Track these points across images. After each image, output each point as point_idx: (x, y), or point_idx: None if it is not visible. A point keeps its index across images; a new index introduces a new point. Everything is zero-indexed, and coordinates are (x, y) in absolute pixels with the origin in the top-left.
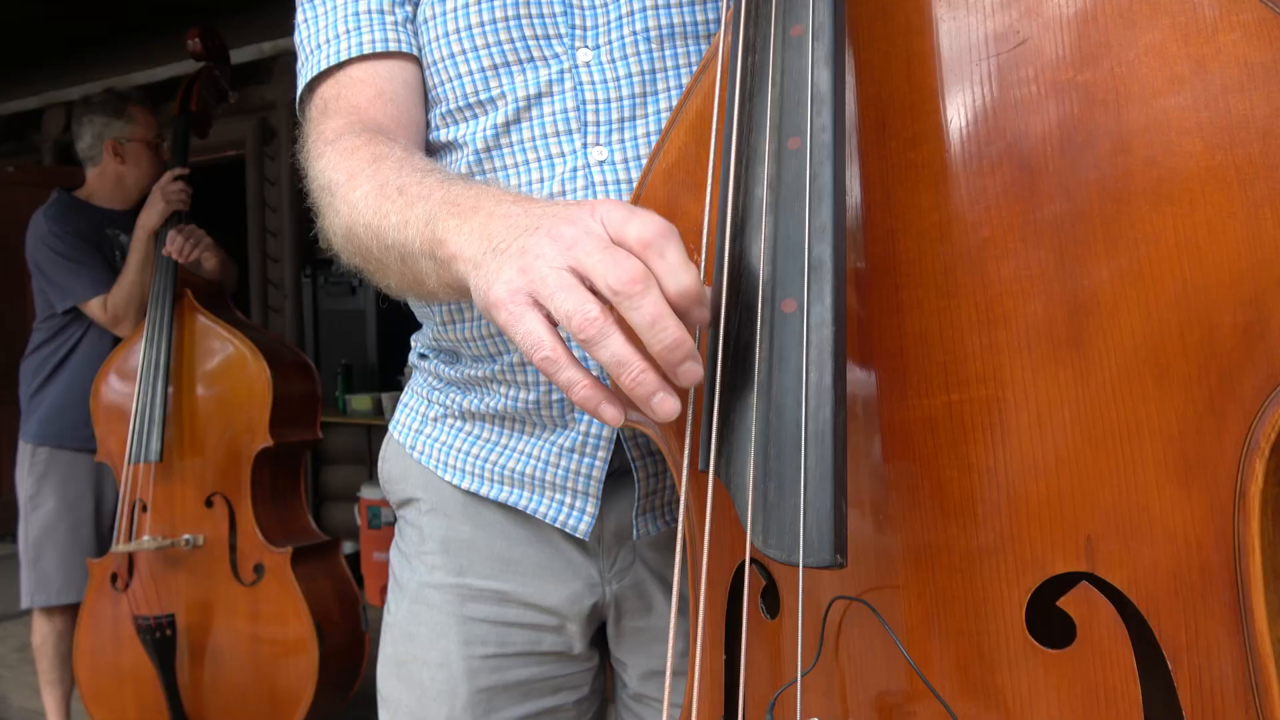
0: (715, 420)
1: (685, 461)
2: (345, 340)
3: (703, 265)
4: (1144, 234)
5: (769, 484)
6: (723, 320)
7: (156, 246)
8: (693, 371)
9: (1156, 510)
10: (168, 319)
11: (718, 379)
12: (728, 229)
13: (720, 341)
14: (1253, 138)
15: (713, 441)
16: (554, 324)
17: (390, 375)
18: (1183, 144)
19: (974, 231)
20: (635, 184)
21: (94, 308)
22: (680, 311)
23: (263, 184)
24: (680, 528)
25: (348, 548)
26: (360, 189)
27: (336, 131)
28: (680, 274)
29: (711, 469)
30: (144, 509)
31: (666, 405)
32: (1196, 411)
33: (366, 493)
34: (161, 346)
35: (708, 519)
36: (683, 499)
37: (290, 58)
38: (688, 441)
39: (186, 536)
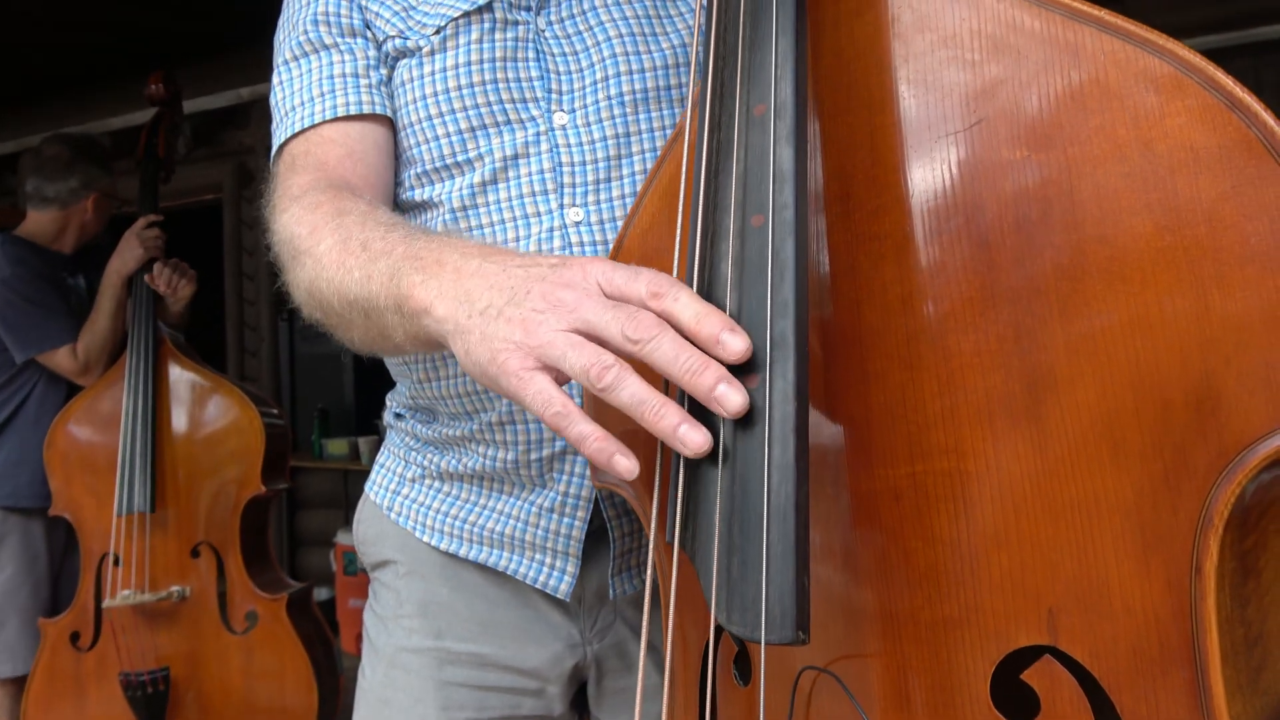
0: (681, 494)
1: (653, 531)
2: (322, 384)
3: None
4: (1097, 310)
5: (732, 559)
6: (688, 396)
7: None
8: (729, 397)
9: (1116, 584)
10: (150, 366)
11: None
12: None
13: None
14: (1199, 219)
15: (678, 515)
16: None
17: (367, 419)
18: (1133, 224)
19: (935, 304)
20: (611, 245)
21: (61, 357)
22: (707, 342)
23: (239, 228)
24: (648, 590)
25: (322, 594)
26: (324, 243)
27: (302, 187)
28: (696, 305)
29: (676, 543)
30: (116, 562)
31: (693, 438)
32: (1153, 486)
33: (342, 538)
34: (146, 394)
35: (673, 591)
36: (651, 564)
37: (267, 102)
38: (654, 512)
39: (175, 588)
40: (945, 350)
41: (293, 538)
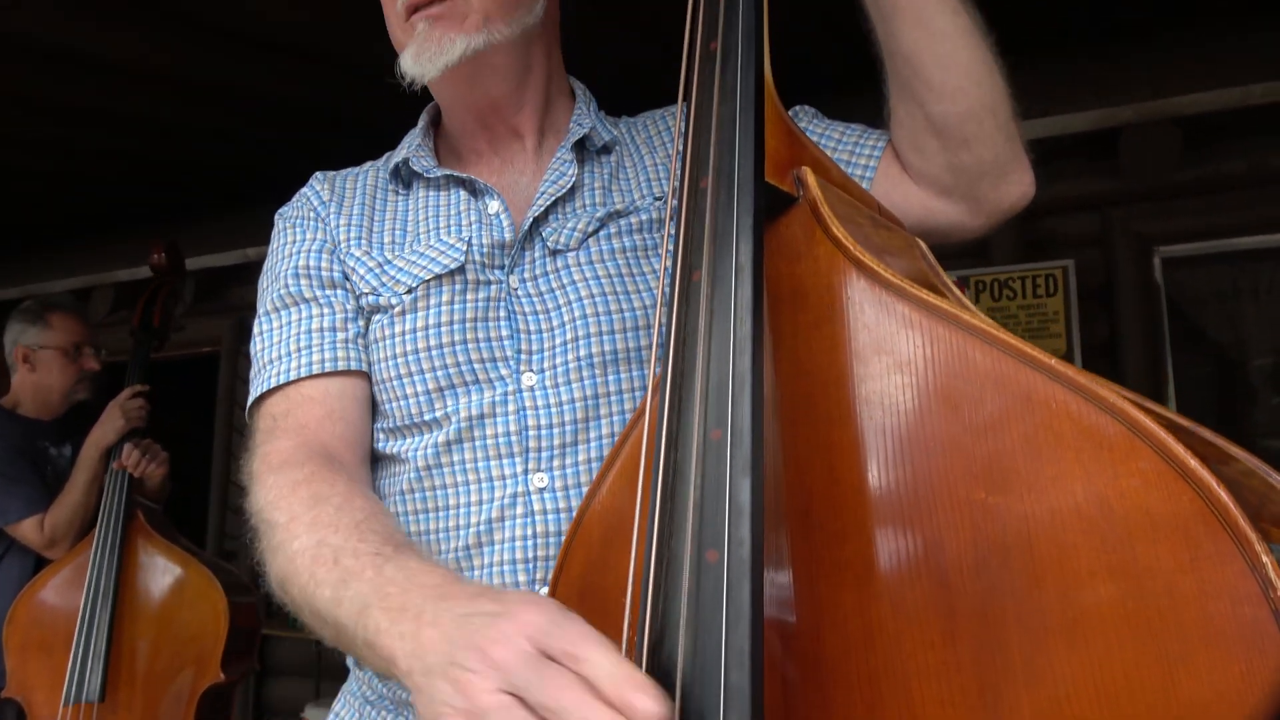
0: None
1: None
2: None
3: (624, 644)
4: (1062, 675)
5: None
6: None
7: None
8: None
9: None
10: (119, 543)
11: None
12: (646, 639)
13: None
14: (1160, 590)
15: None
16: None
17: None
18: (1095, 586)
19: (896, 643)
20: (574, 513)
21: (27, 529)
22: (621, 708)
23: (235, 382)
24: None
25: None
26: (298, 541)
27: (282, 458)
28: (609, 668)
29: None
30: None
31: None
32: None
33: (311, 713)
34: (111, 572)
35: None
36: None
37: None
38: None
39: None
40: (908, 695)
41: (259, 706)
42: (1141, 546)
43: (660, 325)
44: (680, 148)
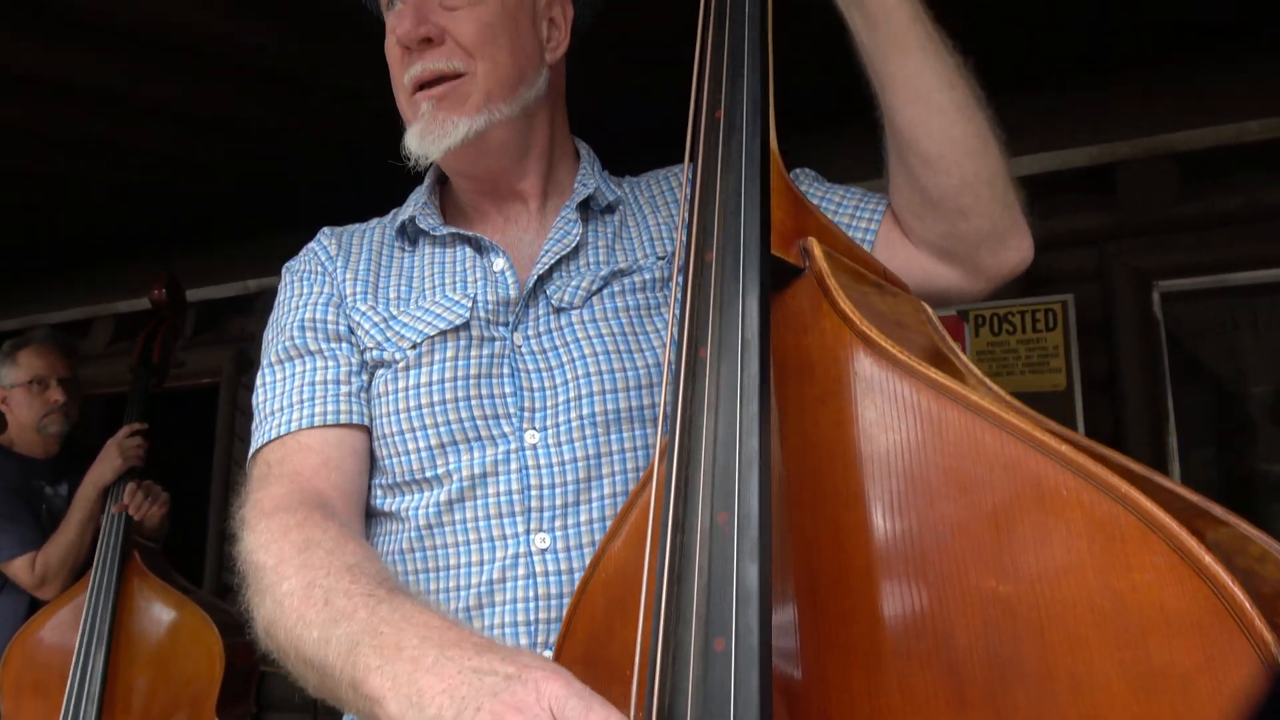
0: None
1: None
2: None
3: (632, 713)
4: None
5: None
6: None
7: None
8: None
9: None
10: (115, 584)
11: None
12: None
13: None
14: (1175, 689)
15: None
16: None
17: None
18: (1108, 683)
19: None
20: (576, 575)
21: (18, 567)
22: None
23: (234, 414)
24: None
25: None
26: (287, 583)
27: (274, 503)
28: None
29: None
30: None
31: None
32: None
33: None
34: (106, 614)
35: None
36: None
37: (273, 293)
38: None
39: None
40: None
41: None
42: (1155, 643)
43: (666, 399)
44: (685, 218)
